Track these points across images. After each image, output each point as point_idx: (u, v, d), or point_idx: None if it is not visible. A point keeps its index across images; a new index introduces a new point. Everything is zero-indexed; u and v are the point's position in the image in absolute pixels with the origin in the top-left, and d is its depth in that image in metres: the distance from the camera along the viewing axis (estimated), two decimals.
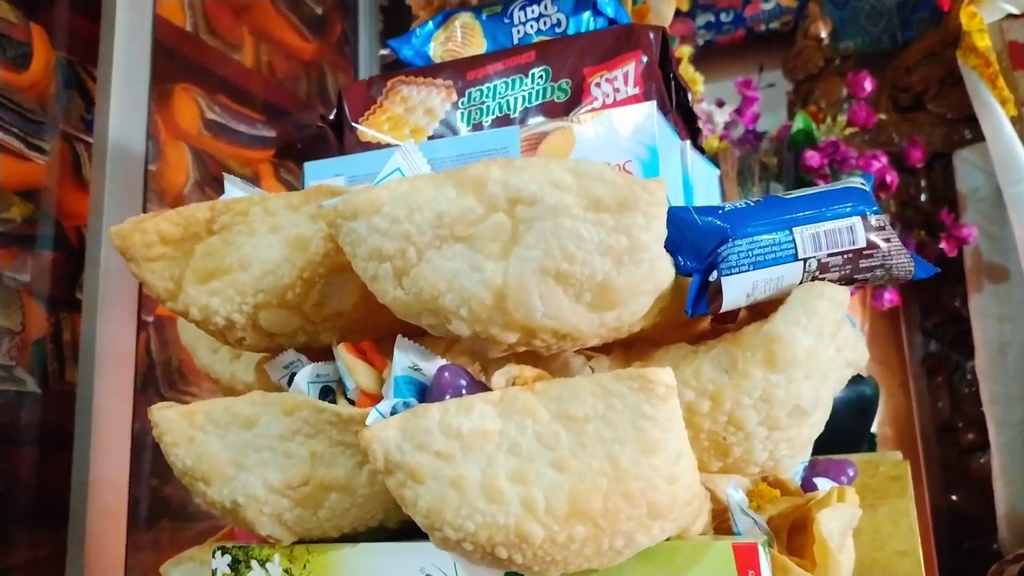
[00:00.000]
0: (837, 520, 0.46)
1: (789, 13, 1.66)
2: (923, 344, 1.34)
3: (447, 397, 0.42)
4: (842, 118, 1.29)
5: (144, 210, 1.14)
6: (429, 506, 0.40)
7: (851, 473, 0.61)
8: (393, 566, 0.46)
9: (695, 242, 0.42)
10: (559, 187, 0.38)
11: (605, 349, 0.48)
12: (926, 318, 1.34)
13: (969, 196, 1.36)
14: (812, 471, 0.60)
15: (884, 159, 1.21)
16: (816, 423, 0.44)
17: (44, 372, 1.05)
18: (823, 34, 1.57)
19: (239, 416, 0.49)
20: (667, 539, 0.41)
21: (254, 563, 0.50)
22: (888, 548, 0.64)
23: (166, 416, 0.49)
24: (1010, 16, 1.39)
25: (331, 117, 0.69)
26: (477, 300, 0.40)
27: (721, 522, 0.51)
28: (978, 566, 1.06)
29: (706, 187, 0.66)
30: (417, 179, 0.41)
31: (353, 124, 0.67)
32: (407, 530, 0.49)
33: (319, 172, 0.64)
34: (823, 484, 0.58)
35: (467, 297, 0.40)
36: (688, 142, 0.62)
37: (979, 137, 1.36)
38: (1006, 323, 1.26)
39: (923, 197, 1.44)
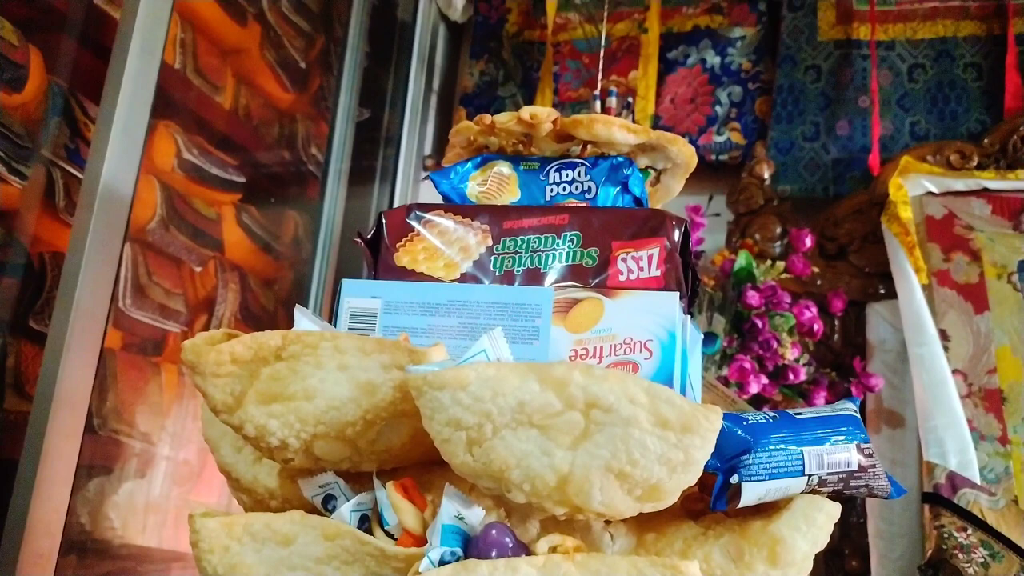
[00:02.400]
0: None
1: (738, 149, 1.82)
2: None
3: (493, 554, 0.48)
4: (780, 263, 1.42)
5: (121, 250, 1.15)
6: None
7: None
8: None
9: (720, 446, 0.50)
10: (634, 402, 0.45)
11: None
12: None
13: (877, 347, 1.53)
14: None
15: (814, 310, 1.35)
16: None
17: None
18: (766, 175, 1.73)
19: (278, 533, 0.53)
20: None
21: None
22: None
23: (207, 525, 0.53)
24: (929, 193, 1.58)
25: (369, 236, 0.74)
26: (541, 480, 0.46)
27: None
28: None
29: (692, 349, 0.75)
30: (504, 366, 0.48)
31: (391, 248, 0.72)
32: None
33: (356, 291, 0.69)
34: None
35: (532, 475, 0.46)
36: (688, 316, 0.70)
37: (891, 293, 1.53)
38: (897, 467, 1.41)
39: (835, 338, 1.60)
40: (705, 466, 0.50)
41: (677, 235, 0.68)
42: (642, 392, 0.45)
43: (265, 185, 1.71)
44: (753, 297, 1.31)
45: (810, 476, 0.50)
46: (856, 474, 0.51)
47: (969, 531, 1.22)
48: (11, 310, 1.11)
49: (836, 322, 1.59)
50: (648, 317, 0.62)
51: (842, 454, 0.51)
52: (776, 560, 0.49)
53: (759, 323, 1.30)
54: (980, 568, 1.19)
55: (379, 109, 1.96)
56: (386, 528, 0.54)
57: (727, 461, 0.50)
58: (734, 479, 0.49)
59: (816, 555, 1.39)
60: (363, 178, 1.92)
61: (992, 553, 1.20)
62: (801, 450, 0.50)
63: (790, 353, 1.35)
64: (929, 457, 1.33)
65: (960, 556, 1.20)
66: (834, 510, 0.50)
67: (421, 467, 0.59)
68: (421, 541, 0.51)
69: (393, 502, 0.53)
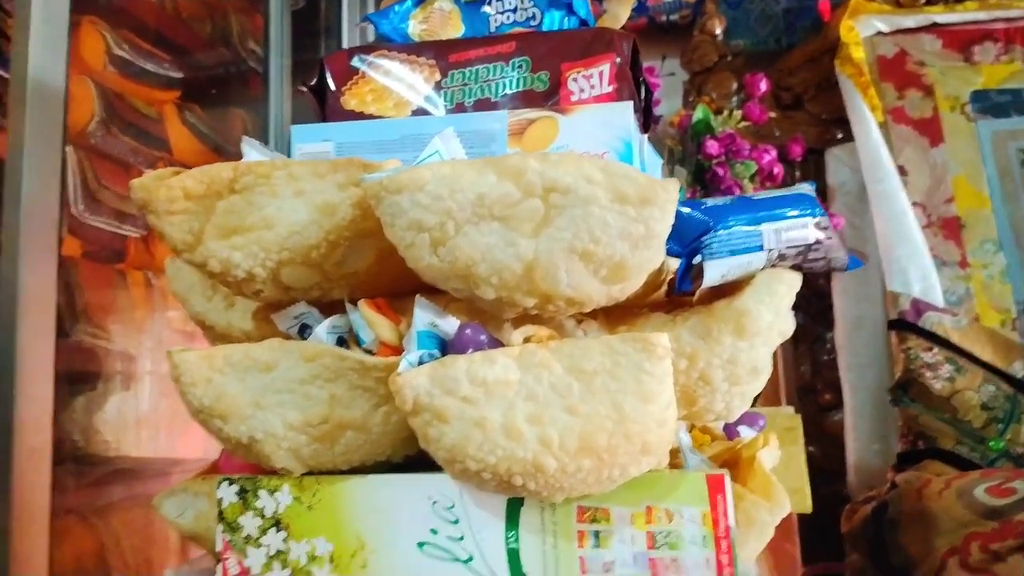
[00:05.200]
0: (770, 459, 0.57)
1: (688, 8, 1.78)
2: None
3: (470, 351, 0.49)
4: (737, 112, 1.42)
5: (64, 149, 1.11)
6: (453, 442, 0.47)
7: (761, 423, 0.73)
8: (402, 493, 0.52)
9: (681, 230, 0.51)
10: (591, 181, 0.45)
11: (592, 315, 0.56)
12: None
13: (838, 189, 1.55)
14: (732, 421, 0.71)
15: (774, 153, 1.35)
16: (764, 381, 0.54)
17: None
18: (718, 31, 1.70)
19: (258, 361, 0.53)
20: (649, 471, 0.50)
21: (263, 492, 0.54)
22: (783, 486, 0.77)
23: (185, 359, 0.53)
24: (880, 33, 1.58)
25: (312, 83, 0.72)
26: (508, 270, 0.47)
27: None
28: (830, 509, 1.25)
29: (653, 175, 0.75)
30: (458, 163, 0.47)
31: (337, 92, 0.71)
32: (410, 464, 0.55)
33: (307, 135, 0.68)
34: (745, 432, 0.69)
35: (499, 267, 0.47)
36: (645, 136, 0.70)
37: (848, 137, 1.55)
38: (863, 301, 1.46)
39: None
40: (667, 250, 0.51)
41: (626, 49, 0.67)
42: (598, 170, 0.45)
43: (205, 83, 1.65)
44: (712, 146, 1.31)
45: (770, 251, 0.51)
46: (814, 247, 0.52)
47: (935, 350, 1.27)
48: None
49: (796, 171, 1.60)
50: (603, 130, 0.62)
51: (799, 230, 0.52)
52: (743, 331, 0.50)
53: (720, 171, 1.31)
54: (947, 383, 1.24)
55: None
56: (363, 346, 0.55)
57: (688, 244, 0.51)
58: (696, 260, 0.50)
59: (791, 392, 1.44)
60: (307, 72, 1.86)
61: (957, 368, 1.26)
62: (760, 228, 0.51)
63: None
64: (893, 287, 1.37)
65: (927, 374, 1.25)
66: (795, 280, 0.51)
67: (392, 297, 0.59)
68: (399, 351, 0.52)
69: (367, 318, 0.53)
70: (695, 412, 0.54)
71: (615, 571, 0.47)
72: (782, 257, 0.52)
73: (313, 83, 0.72)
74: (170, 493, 0.61)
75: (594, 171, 0.45)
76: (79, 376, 1.25)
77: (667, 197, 0.45)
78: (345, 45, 1.89)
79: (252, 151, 0.56)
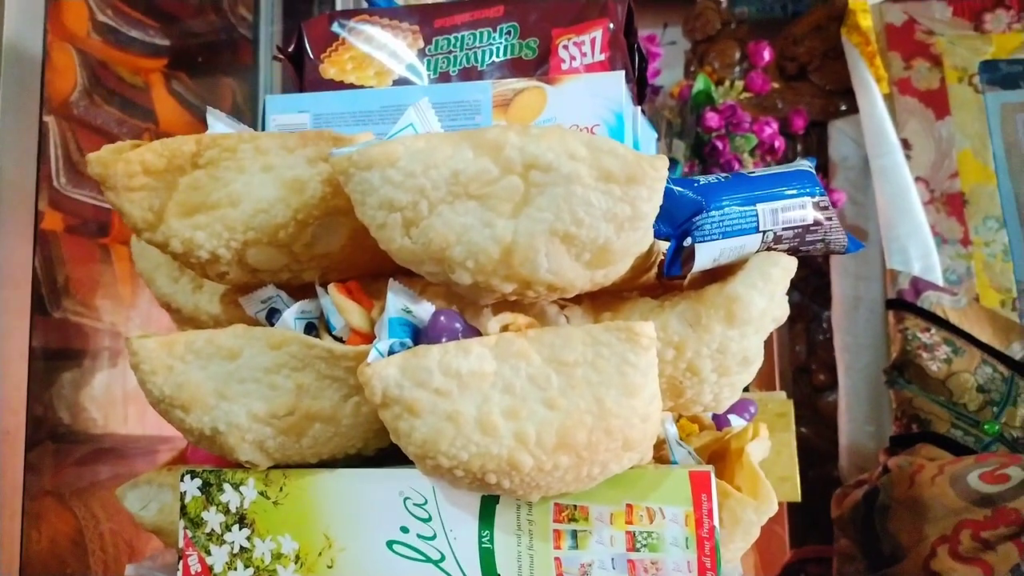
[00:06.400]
0: (760, 451, 0.54)
1: None
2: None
3: (443, 340, 0.46)
4: (739, 83, 1.38)
5: (41, 119, 1.08)
6: (424, 437, 0.44)
7: (752, 411, 0.70)
8: (372, 489, 0.50)
9: (671, 211, 0.48)
10: (574, 158, 0.42)
11: (575, 300, 0.53)
12: None
13: (840, 164, 1.51)
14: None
15: (775, 126, 1.31)
16: (755, 371, 0.51)
17: None
18: None
19: (222, 348, 0.50)
20: (632, 467, 0.47)
21: (227, 486, 0.52)
22: (772, 474, 0.74)
23: (145, 346, 0.50)
24: (888, 0, 1.53)
25: (290, 50, 0.68)
26: (485, 253, 0.44)
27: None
28: (820, 491, 1.23)
29: (647, 149, 0.72)
30: (433, 137, 0.44)
31: (316, 59, 0.67)
32: (381, 458, 0.53)
33: (282, 106, 0.64)
34: (735, 420, 0.66)
35: (475, 250, 0.44)
36: (639, 107, 0.66)
37: (852, 110, 1.50)
38: (861, 280, 1.43)
39: (797, 159, 1.57)
40: (656, 233, 0.48)
41: (621, 14, 0.63)
42: (582, 146, 0.42)
43: (193, 50, 1.61)
44: (712, 119, 1.27)
45: (764, 232, 0.48)
46: (812, 228, 0.49)
47: (932, 331, 1.24)
48: None
49: (798, 144, 1.56)
50: (593, 101, 0.59)
51: (797, 210, 0.49)
52: (733, 319, 0.47)
53: (720, 145, 1.27)
54: (943, 364, 1.21)
55: None
56: (333, 333, 0.52)
57: (679, 226, 0.48)
58: (687, 242, 0.47)
59: (785, 371, 1.42)
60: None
61: (955, 349, 1.23)
62: (755, 207, 0.48)
63: None
64: (893, 265, 1.34)
65: (924, 355, 1.22)
66: (790, 264, 0.48)
67: (368, 279, 0.56)
68: (370, 339, 0.49)
69: (337, 303, 0.50)
70: (682, 404, 0.51)
71: (592, 573, 0.45)
72: (778, 239, 0.49)
73: (291, 50, 0.69)
74: (134, 484, 0.58)
75: (578, 146, 0.42)
76: (61, 353, 1.22)
77: (655, 175, 0.42)
78: (338, 8, 1.84)
79: (217, 123, 0.53)
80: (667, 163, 0.42)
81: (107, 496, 1.14)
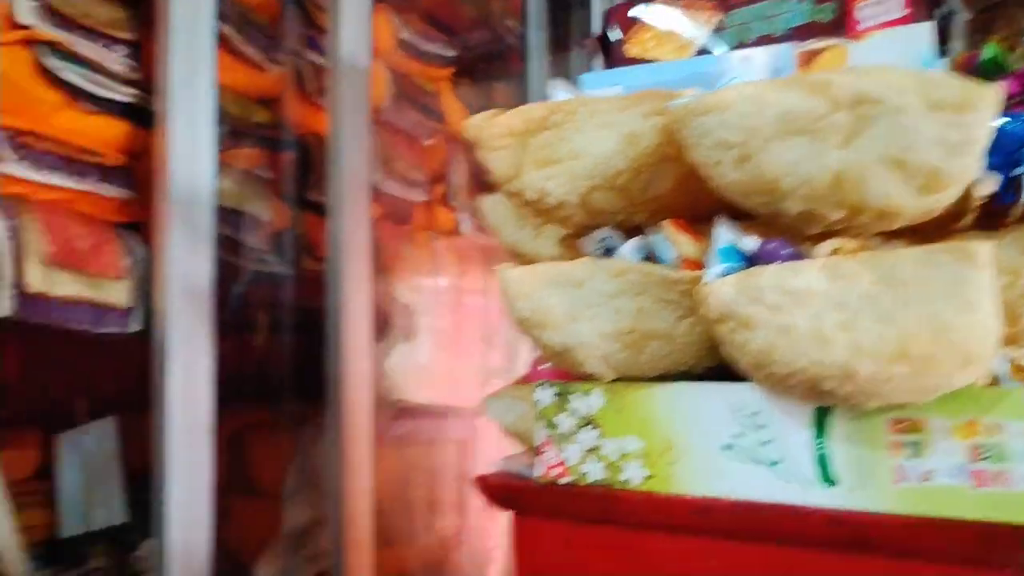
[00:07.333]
0: None
1: None
2: None
3: (775, 263, 0.52)
4: None
5: (370, 124, 1.28)
6: (759, 348, 0.50)
7: None
8: (708, 398, 0.56)
9: (1001, 143, 0.50)
10: (903, 90, 0.46)
11: (898, 236, 0.55)
12: None
13: None
14: None
15: None
16: None
17: (291, 259, 1.22)
18: None
19: (572, 277, 0.60)
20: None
21: (577, 395, 0.61)
22: None
23: (511, 275, 0.61)
24: None
25: (599, 35, 0.78)
26: (817, 181, 0.49)
27: None
28: None
29: None
30: (762, 83, 0.50)
31: (621, 41, 0.76)
32: (711, 375, 0.59)
33: (596, 83, 0.74)
34: None
35: (807, 179, 0.49)
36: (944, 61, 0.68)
37: None
38: None
39: None
40: (987, 165, 0.50)
41: None
42: (910, 79, 0.46)
43: (472, 59, 1.79)
44: (1011, 85, 1.20)
45: None
46: None
47: None
48: (293, 185, 1.28)
49: None
50: (898, 55, 0.61)
51: None
52: None
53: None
54: None
55: None
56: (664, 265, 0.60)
57: (1009, 156, 0.50)
58: (1019, 170, 0.49)
59: None
60: (559, 46, 1.95)
61: None
62: None
63: None
64: None
65: None
66: None
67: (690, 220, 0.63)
68: (700, 267, 0.56)
69: (670, 235, 0.58)
70: (1017, 332, 0.53)
71: (934, 480, 0.48)
72: None
73: (599, 35, 0.78)
74: (496, 396, 0.70)
75: (906, 79, 0.46)
76: (378, 325, 1.43)
77: (987, 102, 0.45)
78: (596, 17, 1.95)
79: (559, 92, 0.63)
80: (998, 92, 0.45)
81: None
